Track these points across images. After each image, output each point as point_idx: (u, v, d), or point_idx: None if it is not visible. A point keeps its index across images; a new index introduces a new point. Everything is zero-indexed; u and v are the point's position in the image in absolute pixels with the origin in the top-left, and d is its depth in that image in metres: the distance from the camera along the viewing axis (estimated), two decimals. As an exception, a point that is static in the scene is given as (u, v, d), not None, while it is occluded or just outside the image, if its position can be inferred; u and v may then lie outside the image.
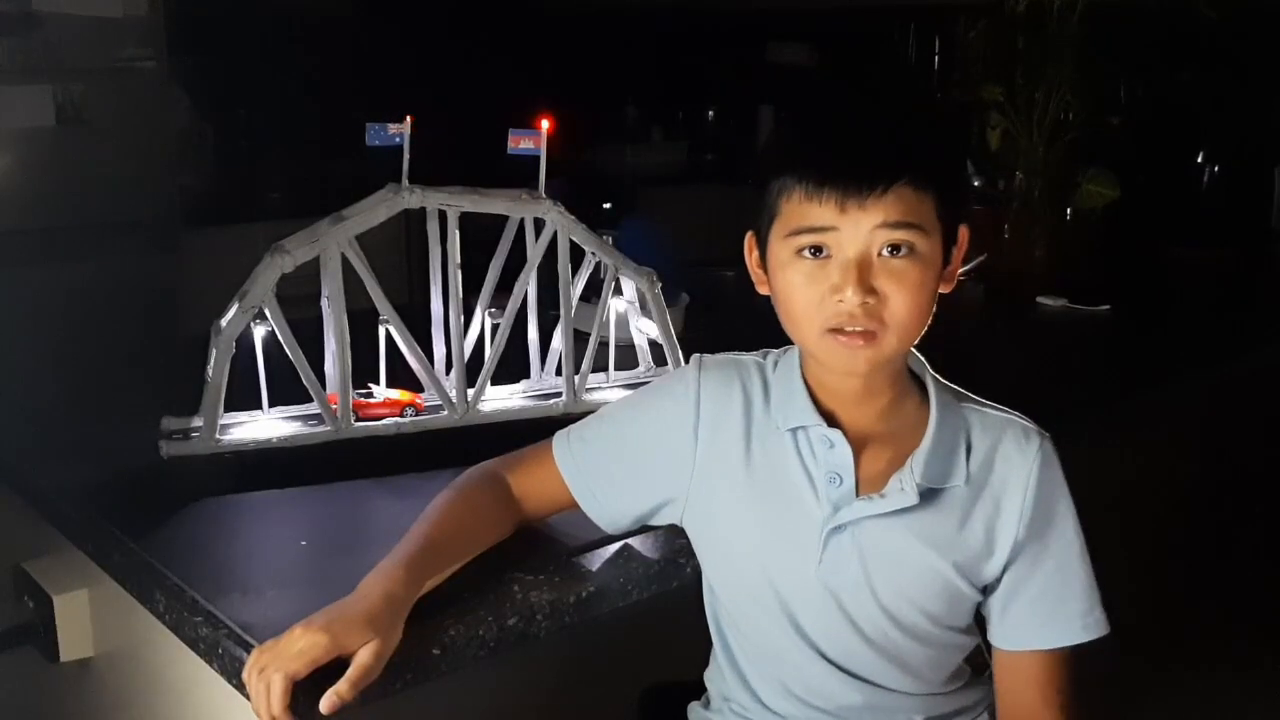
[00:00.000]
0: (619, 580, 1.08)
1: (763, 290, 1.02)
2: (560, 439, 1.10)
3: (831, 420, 1.01)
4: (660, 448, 1.06)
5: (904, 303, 0.94)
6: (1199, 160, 2.90)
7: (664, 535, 1.12)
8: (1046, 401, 1.54)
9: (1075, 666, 1.03)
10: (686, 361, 1.10)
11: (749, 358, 1.08)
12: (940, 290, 0.98)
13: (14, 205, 2.73)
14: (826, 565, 0.99)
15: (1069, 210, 2.30)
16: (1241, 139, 2.89)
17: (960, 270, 1.00)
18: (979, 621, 1.06)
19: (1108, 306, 2.20)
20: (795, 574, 1.00)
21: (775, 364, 1.06)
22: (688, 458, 1.04)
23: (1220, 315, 2.31)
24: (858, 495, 0.99)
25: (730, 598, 1.06)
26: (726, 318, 1.94)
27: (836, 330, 0.95)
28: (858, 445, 1.00)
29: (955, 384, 1.06)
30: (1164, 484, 2.08)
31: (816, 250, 0.95)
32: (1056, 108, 2.23)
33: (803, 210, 0.94)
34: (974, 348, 1.93)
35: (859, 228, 0.93)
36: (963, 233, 0.99)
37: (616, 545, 1.12)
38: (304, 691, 0.86)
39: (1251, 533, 2.29)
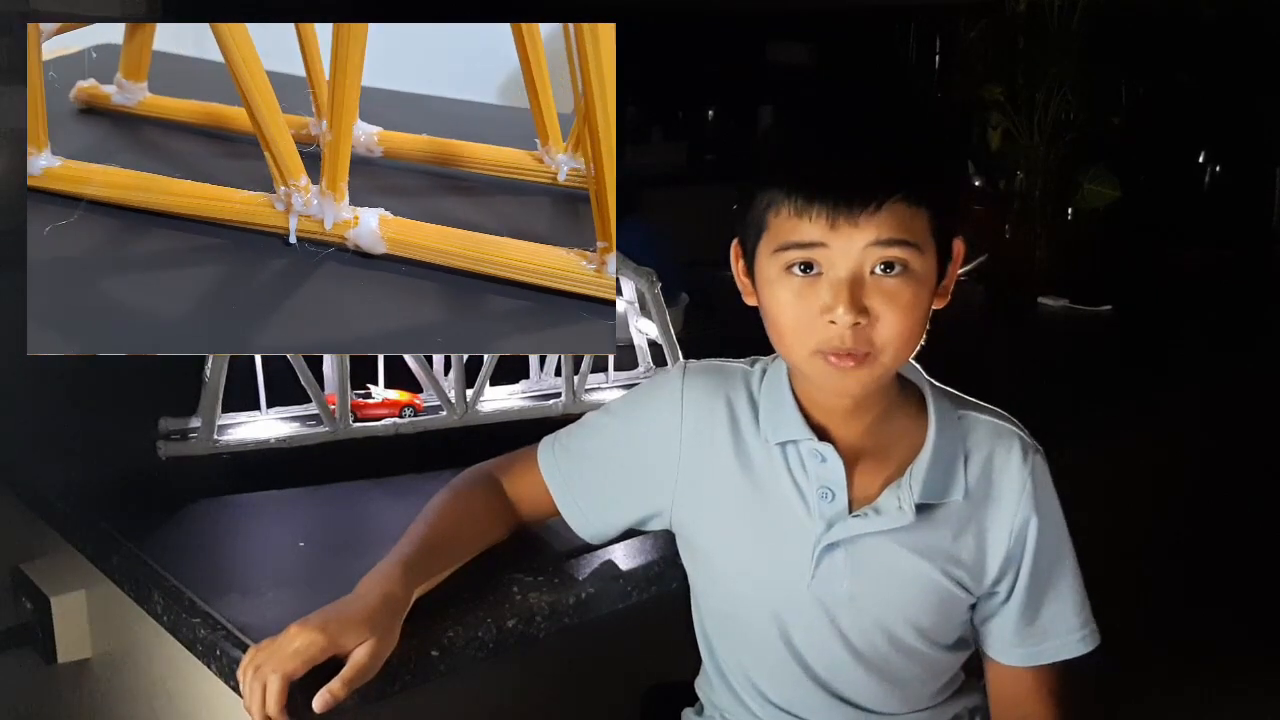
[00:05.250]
0: (618, 582, 1.08)
1: (749, 301, 0.99)
2: (545, 447, 1.09)
3: (822, 434, 0.99)
4: (644, 458, 1.04)
5: (897, 323, 0.90)
6: (1200, 160, 2.90)
7: (663, 537, 1.12)
8: (1047, 402, 1.55)
9: (1069, 678, 1.03)
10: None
11: (736, 365, 1.05)
12: (935, 306, 0.95)
13: (17, 204, 2.73)
14: (819, 580, 0.98)
15: (1070, 210, 2.29)
16: (1242, 139, 2.89)
17: (960, 271, 0.98)
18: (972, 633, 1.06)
19: (1109, 307, 2.20)
20: (787, 589, 0.99)
21: (763, 373, 1.03)
22: (671, 468, 1.02)
23: (1221, 315, 2.31)
24: (851, 511, 0.97)
25: (718, 609, 1.05)
26: (726, 318, 1.94)
27: (827, 351, 0.92)
28: (850, 459, 0.98)
29: (956, 386, 1.05)
30: (1164, 485, 2.07)
31: (806, 267, 0.91)
32: (1057, 108, 2.22)
33: (791, 226, 0.90)
34: (975, 348, 1.92)
35: (850, 245, 0.89)
36: (958, 247, 0.96)
37: (616, 547, 1.12)
38: (299, 690, 0.86)
39: (1253, 534, 2.28)
